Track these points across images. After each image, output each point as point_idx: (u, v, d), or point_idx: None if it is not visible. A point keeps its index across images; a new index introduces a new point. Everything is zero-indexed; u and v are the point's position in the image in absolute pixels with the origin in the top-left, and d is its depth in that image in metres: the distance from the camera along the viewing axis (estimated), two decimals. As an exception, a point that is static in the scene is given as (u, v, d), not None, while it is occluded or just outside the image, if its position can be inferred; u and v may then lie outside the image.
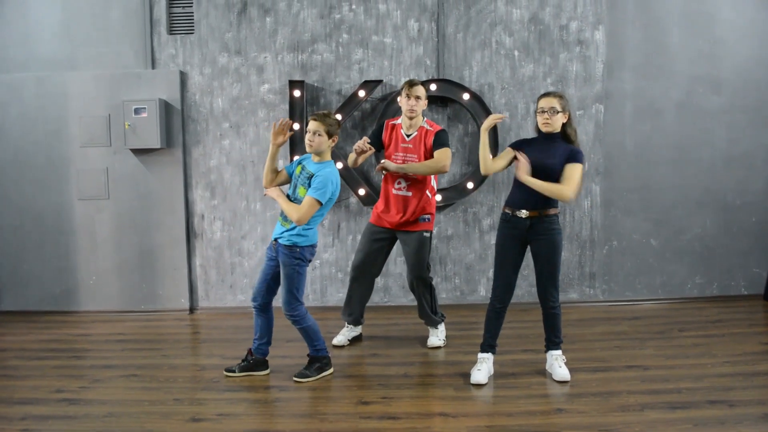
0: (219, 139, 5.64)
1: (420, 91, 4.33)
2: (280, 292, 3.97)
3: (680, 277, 5.77)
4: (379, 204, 4.54)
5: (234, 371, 4.07)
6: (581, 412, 3.38)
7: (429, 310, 4.59)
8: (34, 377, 4.08)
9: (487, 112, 5.38)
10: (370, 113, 5.57)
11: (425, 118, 4.48)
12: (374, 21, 5.56)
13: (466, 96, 5.40)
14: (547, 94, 3.83)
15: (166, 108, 5.54)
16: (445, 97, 5.49)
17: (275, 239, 3.95)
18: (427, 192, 4.43)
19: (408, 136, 4.40)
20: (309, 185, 3.83)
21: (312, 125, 3.86)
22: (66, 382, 3.98)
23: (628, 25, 5.56)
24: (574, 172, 3.70)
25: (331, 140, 3.90)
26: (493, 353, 4.00)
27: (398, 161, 4.38)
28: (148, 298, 5.70)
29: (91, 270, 5.68)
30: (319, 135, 3.85)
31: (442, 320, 4.69)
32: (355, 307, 4.69)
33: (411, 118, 4.37)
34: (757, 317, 5.21)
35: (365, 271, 4.60)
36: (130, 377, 4.07)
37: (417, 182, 4.37)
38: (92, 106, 5.54)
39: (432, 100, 5.53)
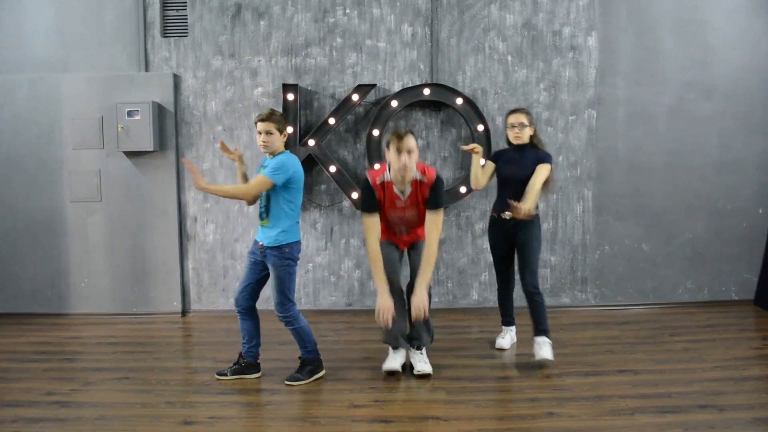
0: (212, 142, 5.64)
1: (411, 143, 3.80)
2: (269, 294, 3.97)
3: (671, 282, 5.80)
4: None
5: (226, 374, 4.06)
6: (572, 416, 3.39)
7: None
8: (26, 379, 4.07)
9: (480, 117, 5.40)
10: (364, 117, 5.59)
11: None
12: (368, 25, 5.58)
13: (459, 101, 5.42)
14: (515, 111, 4.38)
15: (159, 111, 5.53)
16: (438, 102, 5.50)
17: (261, 243, 3.94)
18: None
19: (403, 193, 3.94)
20: None
21: (261, 126, 3.86)
22: (57, 384, 3.97)
23: (621, 31, 5.59)
24: (540, 169, 4.22)
25: (282, 136, 3.93)
26: (509, 325, 4.71)
27: (396, 220, 4.03)
28: (140, 301, 5.69)
29: (84, 272, 5.67)
30: (270, 134, 3.86)
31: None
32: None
33: (404, 176, 3.89)
34: (747, 322, 5.24)
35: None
36: (122, 380, 4.06)
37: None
38: (85, 109, 5.54)
39: (425, 104, 5.55)
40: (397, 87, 5.58)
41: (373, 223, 3.93)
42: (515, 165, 4.32)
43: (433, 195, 3.89)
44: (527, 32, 5.59)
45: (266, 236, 3.90)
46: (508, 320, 4.72)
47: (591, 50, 5.59)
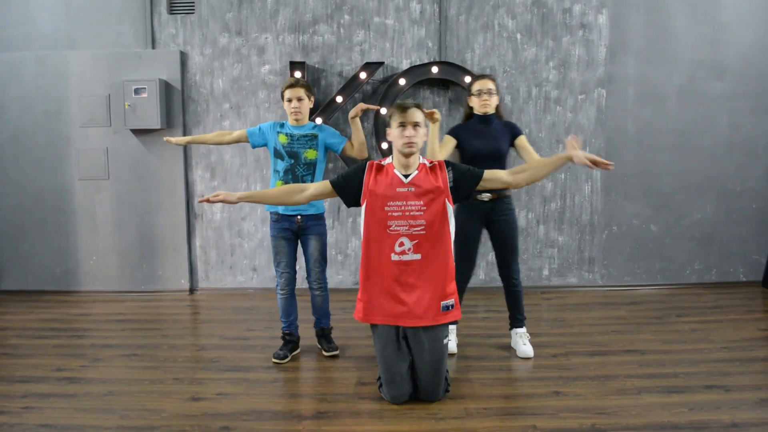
0: (219, 120, 5.62)
1: (418, 115, 3.21)
2: (310, 265, 4.04)
3: (679, 262, 5.78)
4: None
5: (287, 356, 3.97)
6: (578, 395, 3.40)
7: None
8: (35, 356, 4.10)
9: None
10: (371, 95, 5.55)
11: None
12: (376, 2, 5.52)
13: (467, 79, 5.36)
14: (481, 77, 3.98)
15: (166, 88, 5.51)
16: (446, 80, 5.46)
17: (298, 216, 3.93)
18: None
19: (406, 176, 3.23)
20: (316, 144, 3.92)
21: (291, 93, 3.85)
22: (66, 360, 4.00)
23: (632, 9, 5.51)
24: (528, 146, 3.95)
25: (310, 102, 3.96)
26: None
27: (395, 214, 3.20)
28: (148, 279, 5.72)
29: (92, 250, 5.69)
30: (301, 100, 3.88)
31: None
32: None
33: (408, 155, 3.21)
34: (755, 304, 5.22)
35: None
36: (130, 356, 4.09)
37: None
38: (92, 86, 5.53)
39: (433, 82, 5.51)
40: (405, 65, 5.53)
41: (321, 184, 3.38)
42: (484, 138, 3.90)
43: (461, 167, 3.31)
44: (537, 9, 5.52)
45: (308, 206, 3.87)
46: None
47: (601, 28, 5.52)
